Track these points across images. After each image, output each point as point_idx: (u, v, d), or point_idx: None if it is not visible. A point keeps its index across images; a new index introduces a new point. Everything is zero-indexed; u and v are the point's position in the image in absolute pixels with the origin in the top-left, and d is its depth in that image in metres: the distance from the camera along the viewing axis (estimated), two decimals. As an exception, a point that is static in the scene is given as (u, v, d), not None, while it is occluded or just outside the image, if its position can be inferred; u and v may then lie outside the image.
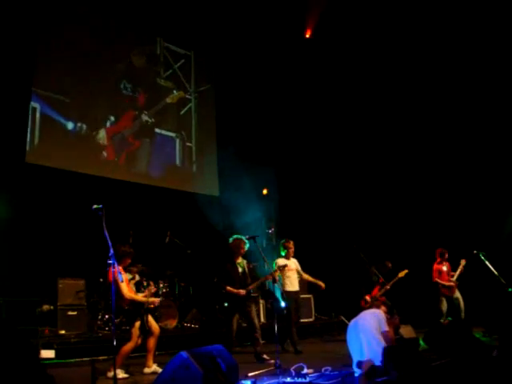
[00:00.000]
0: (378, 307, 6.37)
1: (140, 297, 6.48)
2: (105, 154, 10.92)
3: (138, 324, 6.34)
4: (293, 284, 8.45)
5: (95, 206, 5.41)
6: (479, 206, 11.20)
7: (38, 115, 9.98)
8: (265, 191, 12.75)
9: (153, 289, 6.70)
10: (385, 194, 12.37)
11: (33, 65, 9.90)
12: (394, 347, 4.44)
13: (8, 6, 9.19)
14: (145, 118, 11.71)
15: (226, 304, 7.59)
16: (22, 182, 9.14)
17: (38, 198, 9.24)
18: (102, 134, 10.91)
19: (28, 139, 9.72)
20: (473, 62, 11.27)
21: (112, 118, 11.15)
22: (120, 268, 6.41)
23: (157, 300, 6.69)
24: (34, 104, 9.93)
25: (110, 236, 5.36)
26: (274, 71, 12.92)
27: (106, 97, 11.17)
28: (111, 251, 5.30)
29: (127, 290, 6.33)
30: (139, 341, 6.38)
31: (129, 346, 6.29)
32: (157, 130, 11.99)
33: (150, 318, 6.59)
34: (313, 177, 13.04)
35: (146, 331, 6.42)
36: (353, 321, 6.07)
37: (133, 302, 6.36)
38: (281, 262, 8.36)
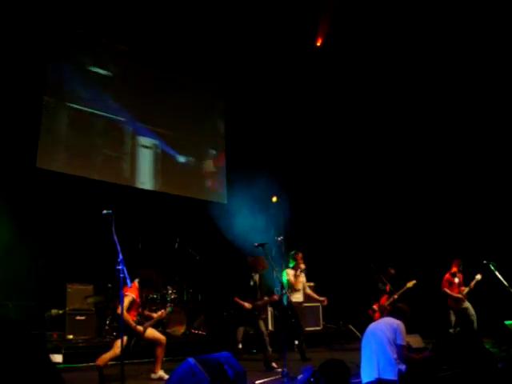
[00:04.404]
0: (400, 314, 5.74)
1: (132, 321, 6.26)
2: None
3: (124, 339, 5.82)
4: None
5: (106, 211, 5.44)
6: (490, 217, 11.10)
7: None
8: (274, 199, 12.74)
9: (165, 312, 6.82)
10: (395, 204, 12.29)
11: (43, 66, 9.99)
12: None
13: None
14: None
15: (232, 311, 7.60)
16: (33, 187, 9.20)
17: (47, 202, 9.29)
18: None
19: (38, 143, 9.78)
20: (482, 82, 11.22)
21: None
22: (135, 290, 6.40)
23: (141, 329, 6.38)
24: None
25: (119, 241, 5.39)
26: (282, 79, 12.89)
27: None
28: (120, 256, 5.31)
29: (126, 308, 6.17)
30: (118, 351, 5.95)
31: (108, 355, 6.07)
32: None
33: (153, 330, 6.52)
34: (322, 185, 13.01)
35: (128, 351, 6.26)
36: (371, 326, 5.72)
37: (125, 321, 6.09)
38: (291, 273, 8.38)
